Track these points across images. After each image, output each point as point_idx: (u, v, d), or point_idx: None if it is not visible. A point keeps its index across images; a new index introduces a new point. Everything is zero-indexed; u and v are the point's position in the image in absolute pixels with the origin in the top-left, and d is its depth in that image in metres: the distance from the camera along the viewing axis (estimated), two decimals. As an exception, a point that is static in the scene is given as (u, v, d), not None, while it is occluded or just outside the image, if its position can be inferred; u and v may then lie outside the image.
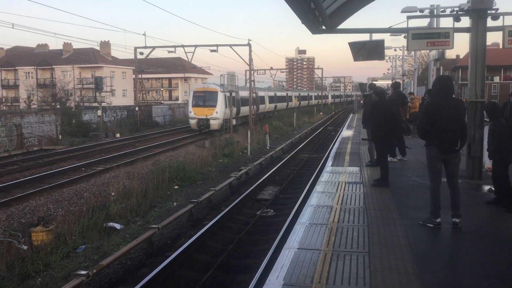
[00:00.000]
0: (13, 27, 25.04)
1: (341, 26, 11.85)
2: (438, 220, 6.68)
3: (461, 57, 70.70)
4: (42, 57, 66.60)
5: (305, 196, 12.37)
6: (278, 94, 56.94)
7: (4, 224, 11.01)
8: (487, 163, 10.98)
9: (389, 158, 13.26)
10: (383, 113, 9.37)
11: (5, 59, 70.49)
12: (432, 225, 6.66)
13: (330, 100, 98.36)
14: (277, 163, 19.38)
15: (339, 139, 20.89)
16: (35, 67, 67.02)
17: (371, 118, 11.65)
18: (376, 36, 12.77)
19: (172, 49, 33.62)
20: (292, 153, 22.71)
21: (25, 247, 9.66)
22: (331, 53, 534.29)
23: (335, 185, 9.79)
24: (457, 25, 11.54)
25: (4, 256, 8.81)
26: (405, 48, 35.84)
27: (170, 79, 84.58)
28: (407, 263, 5.31)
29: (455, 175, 6.77)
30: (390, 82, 34.06)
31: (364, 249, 5.78)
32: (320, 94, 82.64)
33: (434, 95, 6.77)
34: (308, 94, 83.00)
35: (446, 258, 5.68)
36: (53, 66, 66.48)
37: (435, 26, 17.65)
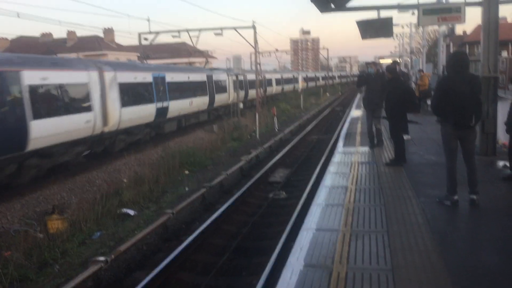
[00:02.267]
0: (18, 17, 24.23)
1: (350, 4, 11.66)
2: (456, 197, 6.59)
3: (468, 32, 69.67)
4: (46, 46, 66.45)
5: (317, 178, 12.36)
6: (285, 76, 56.32)
7: (20, 213, 11.09)
8: (502, 138, 10.87)
9: (405, 136, 13.18)
10: (398, 91, 9.23)
11: (9, 49, 70.47)
12: (449, 203, 6.59)
13: (337, 80, 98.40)
14: (286, 145, 19.33)
15: (348, 119, 20.76)
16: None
17: (381, 96, 11.57)
18: (384, 14, 12.59)
19: (177, 33, 33.24)
20: (301, 135, 22.64)
21: (41, 235, 9.74)
22: (336, 33, 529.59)
23: (348, 166, 9.74)
24: (468, -1, 11.32)
25: (21, 245, 8.88)
26: (413, 25, 35.38)
27: (175, 64, 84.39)
28: (427, 242, 5.28)
29: (471, 152, 6.68)
30: (397, 60, 33.72)
31: (382, 228, 5.75)
32: (326, 75, 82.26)
33: (449, 71, 6.67)
34: (315, 75, 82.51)
35: (466, 235, 5.64)
36: (58, 55, 66.39)
37: (444, 1, 17.35)
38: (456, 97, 6.32)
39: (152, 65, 25.38)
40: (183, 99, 23.51)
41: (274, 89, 48.71)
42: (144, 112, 19.35)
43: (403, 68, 34.90)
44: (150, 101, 19.92)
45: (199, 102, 26.04)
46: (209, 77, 28.13)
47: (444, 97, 6.48)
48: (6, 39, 63.50)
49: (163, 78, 21.70)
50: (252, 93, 36.88)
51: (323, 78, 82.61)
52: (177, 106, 22.66)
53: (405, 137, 12.98)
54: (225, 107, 31.50)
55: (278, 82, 51.17)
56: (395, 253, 4.97)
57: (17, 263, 8.08)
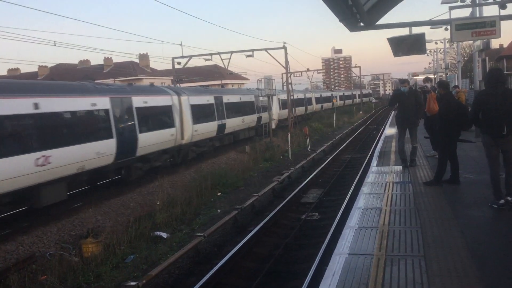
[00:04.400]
0: (55, 45, 25.87)
1: (379, 22, 11.50)
2: (502, 201, 7.04)
3: (504, 46, 67.86)
4: (84, 73, 68.73)
5: (350, 198, 12.10)
6: (324, 95, 62.63)
7: (55, 237, 11.30)
8: None
9: (432, 152, 12.78)
10: (451, 107, 8.91)
11: (49, 77, 73.23)
12: (496, 206, 7.04)
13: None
14: (319, 165, 19.11)
15: (382, 137, 20.38)
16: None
17: (417, 114, 11.29)
18: (415, 30, 12.39)
19: (209, 56, 33.86)
20: (334, 154, 22.37)
21: (76, 259, 9.86)
22: (368, 50, 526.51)
23: (382, 186, 9.48)
24: (503, 12, 11.02)
25: (56, 269, 9.00)
26: (447, 41, 34.74)
27: (207, 86, 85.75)
28: (466, 266, 5.01)
29: (510, 159, 7.09)
30: (432, 76, 33.14)
31: (419, 252, 5.51)
32: (361, 93, 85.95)
33: (486, 86, 7.38)
34: (352, 93, 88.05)
35: (509, 259, 5.32)
36: (96, 81, 68.46)
37: (477, 16, 16.96)
38: (491, 110, 6.94)
39: (212, 89, 30.38)
40: (237, 117, 27.62)
41: (314, 107, 53.65)
42: (209, 128, 23.29)
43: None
44: (213, 119, 23.84)
45: (249, 120, 30.02)
46: (256, 98, 30.97)
47: (479, 109, 7.16)
48: (46, 66, 66.02)
49: (221, 100, 25.49)
50: (296, 110, 41.28)
51: (359, 96, 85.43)
52: (233, 123, 26.73)
53: (432, 153, 12.62)
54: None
55: (318, 100, 56.47)
56: (433, 279, 4.73)
57: (52, 287, 8.19)
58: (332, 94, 68.79)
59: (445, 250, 5.51)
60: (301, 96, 48.28)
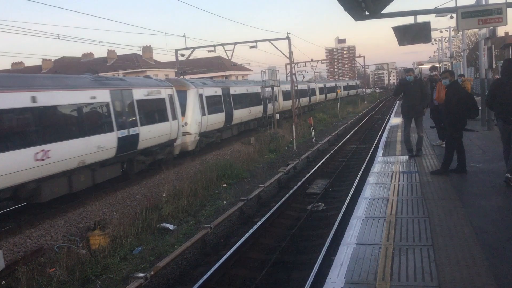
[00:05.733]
0: (59, 38, 25.97)
1: (384, 11, 11.42)
2: None
3: (510, 34, 67.19)
4: (88, 66, 68.76)
5: (356, 189, 12.08)
6: (327, 85, 62.37)
7: (63, 230, 11.38)
8: None
9: (438, 142, 12.73)
10: (458, 96, 8.83)
11: (53, 70, 73.33)
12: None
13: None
14: (324, 156, 19.07)
15: (387, 127, 20.31)
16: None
17: (423, 103, 11.23)
18: (421, 19, 12.26)
19: (212, 48, 33.73)
20: (339, 144, 22.31)
21: (84, 251, 9.93)
22: (372, 40, 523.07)
23: (389, 176, 9.46)
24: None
25: (64, 261, 9.07)
26: (452, 29, 34.44)
27: (211, 78, 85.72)
28: (475, 255, 5.00)
29: None
30: (437, 64, 32.87)
31: (427, 241, 5.49)
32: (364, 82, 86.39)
33: (501, 75, 7.98)
34: (355, 83, 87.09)
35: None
36: (99, 74, 68.53)
37: (483, 3, 16.77)
38: (501, 96, 7.68)
39: (220, 80, 30.08)
40: (244, 108, 28.06)
41: (318, 97, 53.54)
42: (217, 119, 23.64)
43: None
44: (221, 110, 24.18)
45: (256, 111, 30.47)
46: (262, 89, 31.36)
47: (493, 96, 7.96)
48: (50, 60, 66.04)
49: (229, 91, 25.94)
50: (300, 101, 41.52)
51: (362, 86, 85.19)
52: (240, 114, 27.21)
53: (438, 142, 12.56)
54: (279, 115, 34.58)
55: (322, 91, 56.32)
56: (442, 268, 4.73)
57: (60, 279, 8.25)
58: (336, 84, 68.67)
59: (453, 239, 5.50)
60: (304, 86, 48.25)
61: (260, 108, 31.20)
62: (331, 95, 61.11)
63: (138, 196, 14.61)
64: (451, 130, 9.03)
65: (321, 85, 58.06)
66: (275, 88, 32.31)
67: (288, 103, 37.06)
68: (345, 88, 74.44)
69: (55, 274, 8.46)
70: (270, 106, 32.22)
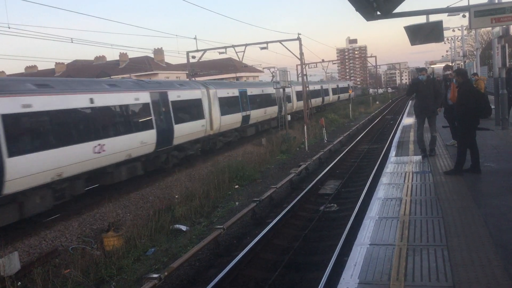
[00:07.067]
0: (72, 42, 26.13)
1: (396, 10, 11.37)
2: None
3: (525, 32, 66.19)
4: (100, 69, 69.31)
5: (369, 189, 12.03)
6: (341, 85, 62.86)
7: (77, 232, 11.49)
8: None
9: (451, 141, 12.60)
10: (470, 95, 8.78)
11: (66, 73, 74.07)
12: None
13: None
14: (336, 156, 19.02)
15: (399, 127, 20.18)
16: (95, 78, 69.82)
17: (436, 103, 11.16)
18: (432, 18, 12.19)
19: (223, 50, 33.87)
20: (351, 145, 22.23)
21: (98, 253, 10.02)
22: (383, 40, 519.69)
23: (402, 176, 9.40)
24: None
25: (79, 262, 9.16)
26: (465, 28, 34.12)
27: (222, 79, 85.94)
28: (490, 255, 4.95)
29: None
30: (450, 63, 32.60)
31: (441, 242, 5.46)
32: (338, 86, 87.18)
33: None
34: (347, 85, 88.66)
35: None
36: (112, 77, 69.01)
37: (496, 1, 16.60)
38: None
39: (237, 82, 31.74)
40: (260, 109, 29.07)
41: (331, 98, 53.88)
42: (234, 119, 24.71)
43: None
44: (238, 110, 25.21)
45: (271, 111, 31.31)
46: (277, 90, 31.38)
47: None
48: (63, 63, 66.73)
49: (245, 92, 26.95)
50: (313, 101, 42.54)
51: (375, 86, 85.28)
52: (256, 114, 28.17)
53: (452, 142, 12.45)
54: (292, 115, 35.22)
55: (335, 91, 56.69)
56: (456, 269, 4.69)
57: (75, 280, 8.34)
58: (348, 85, 68.98)
59: (468, 240, 5.46)
60: (317, 87, 48.68)
61: (275, 109, 31.96)
62: (343, 96, 61.85)
63: (151, 197, 14.70)
64: (462, 130, 8.97)
65: (334, 86, 58.54)
66: (287, 89, 32.36)
67: (302, 103, 37.14)
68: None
69: (70, 275, 8.55)
70: (287, 105, 32.63)
